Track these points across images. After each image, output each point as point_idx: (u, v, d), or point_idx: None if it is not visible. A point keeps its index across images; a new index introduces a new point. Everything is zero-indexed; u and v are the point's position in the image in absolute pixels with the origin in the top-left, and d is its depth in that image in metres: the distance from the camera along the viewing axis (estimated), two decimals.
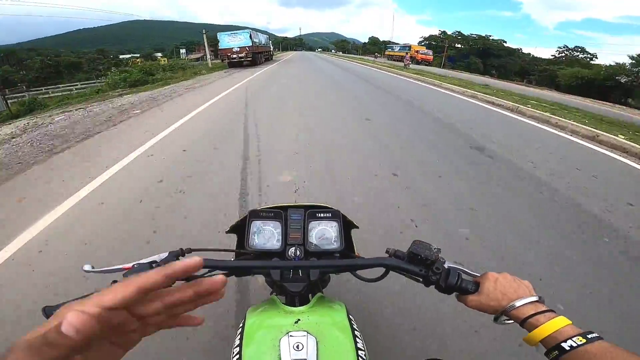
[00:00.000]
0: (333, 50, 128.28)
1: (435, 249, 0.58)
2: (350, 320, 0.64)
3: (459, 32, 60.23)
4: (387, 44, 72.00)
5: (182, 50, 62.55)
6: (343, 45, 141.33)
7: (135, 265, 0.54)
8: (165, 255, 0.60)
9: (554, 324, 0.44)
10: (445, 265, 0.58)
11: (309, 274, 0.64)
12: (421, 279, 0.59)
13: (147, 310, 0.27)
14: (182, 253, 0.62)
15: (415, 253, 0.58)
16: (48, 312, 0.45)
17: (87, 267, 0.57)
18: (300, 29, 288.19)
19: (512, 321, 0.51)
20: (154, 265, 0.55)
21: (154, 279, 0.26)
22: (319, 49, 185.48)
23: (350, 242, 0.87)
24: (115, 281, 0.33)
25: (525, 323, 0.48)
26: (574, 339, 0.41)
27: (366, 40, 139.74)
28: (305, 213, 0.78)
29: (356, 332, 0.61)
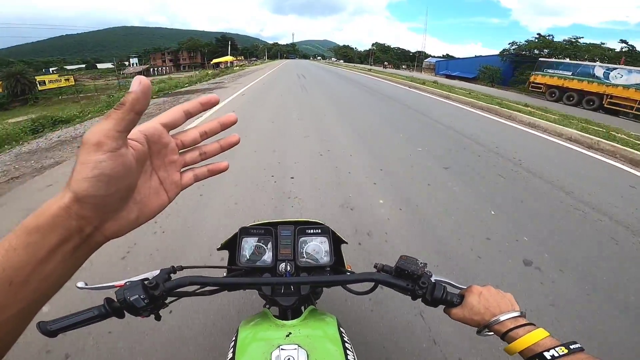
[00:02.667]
0: (334, 59, 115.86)
1: (421, 263, 0.60)
2: (341, 332, 0.66)
3: (575, 37, 35.85)
4: (418, 55, 63.12)
5: (133, 60, 50.31)
6: (346, 52, 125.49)
7: (127, 283, 0.53)
8: (157, 272, 0.59)
9: (534, 336, 0.46)
10: (432, 279, 0.60)
11: (300, 288, 0.69)
12: (408, 293, 0.60)
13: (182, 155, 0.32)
14: (173, 270, 0.61)
15: (402, 268, 0.59)
16: (43, 327, 0.45)
17: (80, 285, 0.57)
18: (293, 35, 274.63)
19: (493, 333, 0.52)
20: (145, 282, 0.53)
21: (173, 114, 0.30)
22: (319, 57, 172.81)
23: (340, 257, 0.89)
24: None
25: (506, 336, 0.49)
26: (556, 349, 0.42)
27: (368, 47, 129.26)
28: (295, 229, 0.79)
29: (347, 345, 0.63)
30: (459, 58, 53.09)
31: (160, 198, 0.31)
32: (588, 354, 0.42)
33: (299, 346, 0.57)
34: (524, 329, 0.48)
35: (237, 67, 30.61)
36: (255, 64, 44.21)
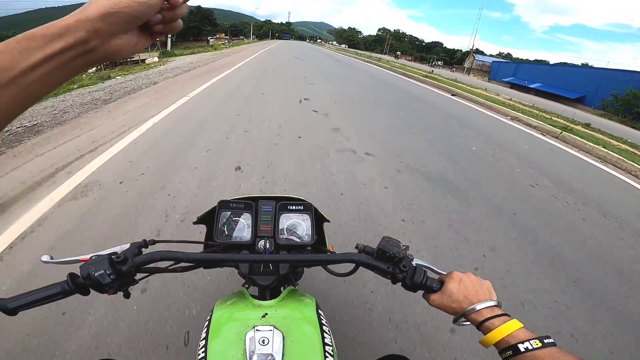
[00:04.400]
0: (335, 43, 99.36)
1: (403, 246, 0.57)
2: (319, 314, 0.65)
3: None
4: (470, 52, 48.11)
5: None
6: (351, 36, 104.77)
7: (94, 257, 0.51)
8: (127, 246, 0.57)
9: (508, 327, 0.46)
10: (413, 263, 0.58)
11: (279, 267, 0.67)
12: (389, 276, 0.58)
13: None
14: (145, 245, 0.58)
15: (383, 250, 0.57)
16: (1, 305, 0.44)
17: (45, 258, 0.55)
18: (289, 13, 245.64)
19: (469, 323, 0.52)
20: (113, 257, 0.51)
21: None
22: (319, 39, 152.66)
23: (322, 236, 0.85)
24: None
25: (482, 326, 0.49)
26: (531, 341, 0.43)
27: (369, 33, 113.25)
28: (276, 205, 0.76)
29: (324, 327, 0.62)
30: (533, 62, 40.05)
31: (147, 39, 0.37)
32: (560, 348, 0.43)
33: (274, 327, 0.55)
34: (500, 319, 0.48)
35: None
36: (230, 46, 30.33)
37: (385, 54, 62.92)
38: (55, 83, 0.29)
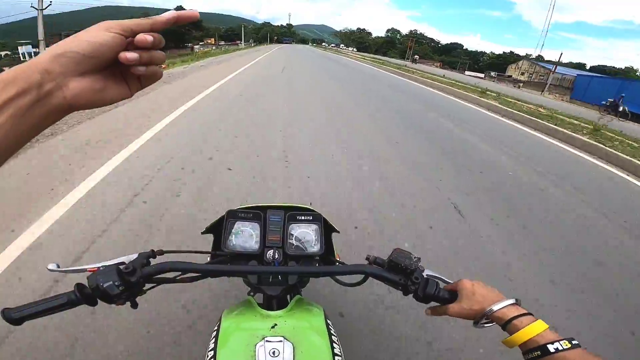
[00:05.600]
0: (342, 46, 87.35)
1: (415, 257, 0.57)
2: (327, 324, 0.64)
3: None
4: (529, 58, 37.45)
5: (24, 49, 26.07)
6: (361, 38, 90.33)
7: (102, 267, 0.50)
8: (134, 256, 0.55)
9: (536, 327, 0.46)
10: (424, 274, 0.58)
11: (288, 278, 0.68)
12: (400, 288, 0.58)
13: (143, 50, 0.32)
14: (152, 255, 0.58)
15: (395, 262, 0.57)
16: (7, 315, 0.44)
17: (52, 267, 0.54)
18: (289, 15, 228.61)
19: (492, 324, 0.52)
20: (121, 266, 0.50)
21: (143, 22, 0.32)
22: (327, 43, 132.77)
23: (330, 246, 0.84)
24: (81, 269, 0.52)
25: (508, 325, 0.49)
26: (560, 342, 0.43)
27: (376, 34, 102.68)
28: (285, 215, 0.76)
29: (333, 337, 0.62)
30: None
31: (122, 89, 0.34)
32: (586, 350, 0.43)
33: (284, 338, 0.55)
34: (527, 318, 0.48)
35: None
36: (205, 55, 21.41)
37: (407, 59, 53.16)
38: (19, 136, 0.28)
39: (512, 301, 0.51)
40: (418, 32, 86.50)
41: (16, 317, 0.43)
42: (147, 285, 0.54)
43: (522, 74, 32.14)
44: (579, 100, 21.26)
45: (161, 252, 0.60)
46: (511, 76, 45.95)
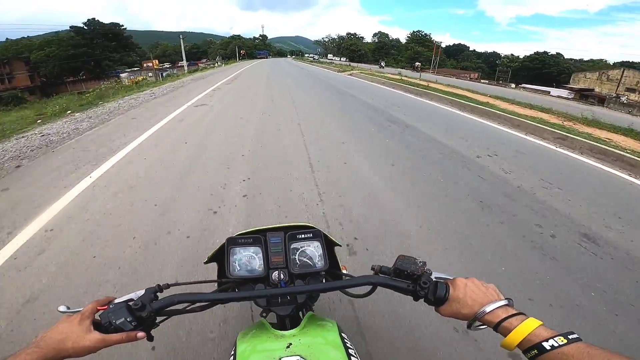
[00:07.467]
0: (330, 56, 69.66)
1: (420, 262, 0.57)
2: (342, 338, 0.64)
3: None
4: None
5: None
6: (354, 45, 72.52)
7: (111, 306, 0.52)
8: (142, 292, 0.56)
9: (527, 326, 0.45)
10: (433, 277, 0.58)
11: (297, 296, 0.68)
12: (410, 294, 0.58)
13: None
14: (159, 289, 0.59)
15: (401, 269, 0.57)
16: None
17: (62, 309, 0.55)
18: (262, 27, 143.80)
19: (485, 326, 0.51)
20: (130, 304, 0.51)
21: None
22: (310, 56, 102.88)
23: (334, 259, 0.84)
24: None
25: (499, 327, 0.48)
26: (555, 339, 0.42)
27: (369, 40, 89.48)
28: (285, 235, 0.76)
29: (350, 350, 0.61)
30: None
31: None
32: (587, 343, 0.41)
33: (300, 357, 0.56)
34: (517, 318, 0.47)
35: None
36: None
37: (416, 69, 39.75)
38: None
39: (503, 302, 0.50)
40: (422, 33, 73.37)
41: None
42: (159, 318, 0.56)
43: (632, 89, 19.33)
44: None
45: (167, 286, 0.60)
46: (593, 89, 33.40)
